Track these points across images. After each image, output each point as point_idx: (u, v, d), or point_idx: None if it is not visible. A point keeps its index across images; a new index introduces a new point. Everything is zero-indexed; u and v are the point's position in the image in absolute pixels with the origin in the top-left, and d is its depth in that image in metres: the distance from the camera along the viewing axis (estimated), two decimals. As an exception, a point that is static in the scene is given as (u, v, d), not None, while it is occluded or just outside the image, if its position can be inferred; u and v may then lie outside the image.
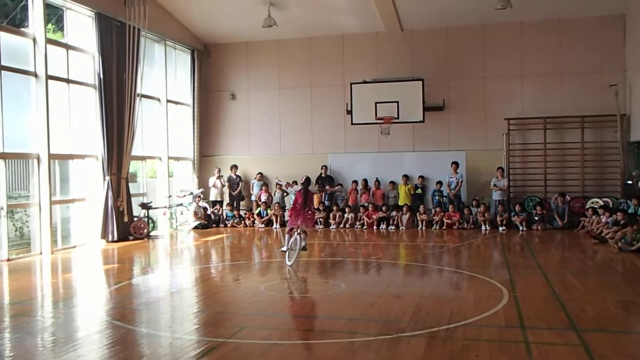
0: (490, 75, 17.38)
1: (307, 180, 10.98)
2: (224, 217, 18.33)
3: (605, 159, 16.65)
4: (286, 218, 13.89)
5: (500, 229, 15.81)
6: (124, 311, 7.67)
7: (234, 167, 18.80)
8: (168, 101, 17.87)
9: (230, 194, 18.75)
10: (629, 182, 15.41)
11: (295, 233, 10.67)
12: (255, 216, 18.07)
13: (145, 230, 15.52)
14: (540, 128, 16.92)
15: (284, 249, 10.95)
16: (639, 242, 11.53)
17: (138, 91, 15.42)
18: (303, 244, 10.75)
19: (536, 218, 16.13)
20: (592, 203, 15.76)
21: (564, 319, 6.72)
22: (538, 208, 16.22)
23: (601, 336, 6.08)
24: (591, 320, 6.74)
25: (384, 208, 17.10)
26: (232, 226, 17.94)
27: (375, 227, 16.83)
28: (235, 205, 18.54)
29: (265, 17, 16.02)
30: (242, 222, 18.08)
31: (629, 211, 13.80)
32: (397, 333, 6.23)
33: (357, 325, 6.72)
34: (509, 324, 6.57)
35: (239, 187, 18.74)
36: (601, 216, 14.26)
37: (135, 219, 15.49)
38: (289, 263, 10.61)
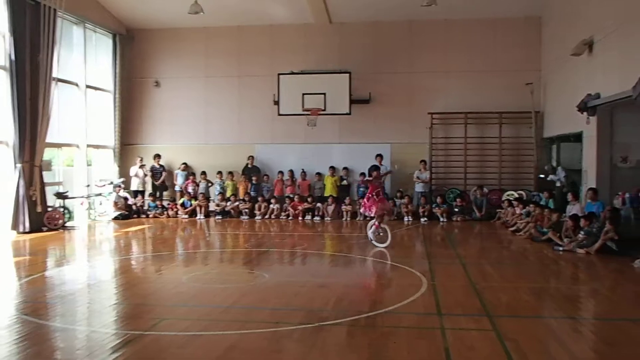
0: (416, 70, 17.75)
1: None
2: (146, 207, 17.88)
3: (521, 153, 17.40)
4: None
5: (422, 220, 16.22)
6: (36, 305, 7.29)
7: (157, 156, 18.37)
8: (87, 87, 17.22)
9: (152, 184, 18.32)
10: (542, 175, 16.14)
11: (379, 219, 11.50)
12: (178, 207, 17.74)
13: (61, 221, 14.91)
14: (462, 123, 17.47)
15: (373, 238, 11.65)
16: (549, 232, 12.10)
17: (54, 75, 14.72)
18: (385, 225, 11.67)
19: (456, 210, 16.66)
20: (508, 195, 16.42)
21: (479, 306, 6.96)
22: (458, 200, 16.76)
23: (513, 321, 6.35)
24: (504, 306, 7.01)
25: (309, 199, 17.18)
26: (155, 217, 17.53)
27: (300, 218, 16.89)
28: (157, 196, 18.12)
29: (192, 4, 15.68)
30: (165, 212, 17.71)
31: (541, 203, 14.46)
32: (319, 322, 6.27)
33: (280, 314, 6.71)
34: (427, 312, 6.75)
35: (162, 177, 18.35)
36: (515, 208, 14.87)
37: (50, 209, 14.85)
38: (384, 245, 11.39)
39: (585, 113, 12.90)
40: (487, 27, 17.52)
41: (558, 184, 15.03)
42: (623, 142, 12.89)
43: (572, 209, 12.73)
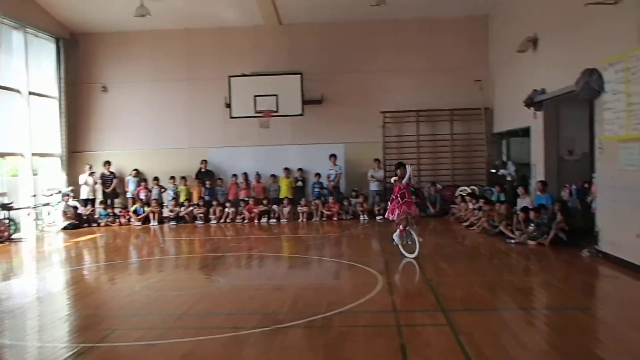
0: (367, 70, 17.82)
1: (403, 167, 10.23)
2: (97, 215, 17.45)
3: (472, 149, 17.69)
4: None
5: (378, 218, 16.31)
6: (-19, 321, 7.04)
7: (107, 163, 17.95)
8: (30, 93, 16.64)
9: (103, 192, 17.90)
10: (493, 170, 16.44)
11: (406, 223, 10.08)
12: (131, 214, 17.37)
13: (6, 233, 14.38)
14: (414, 121, 17.65)
15: (399, 242, 10.28)
16: (499, 226, 12.33)
17: (-5, 82, 14.22)
18: (415, 230, 10.15)
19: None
20: (461, 191, 16.66)
21: (434, 302, 7.02)
22: (413, 197, 16.87)
23: (467, 315, 6.43)
24: (458, 301, 7.10)
25: (265, 201, 17.07)
26: (106, 225, 17.10)
27: (256, 221, 16.76)
28: (109, 203, 17.71)
29: (138, 7, 15.36)
30: (117, 220, 17.32)
31: (492, 197, 14.73)
32: (275, 325, 6.21)
33: (236, 319, 6.63)
34: (383, 309, 6.77)
35: (113, 184, 17.93)
36: (468, 203, 15.10)
37: (-5, 221, 14.34)
38: (412, 255, 9.99)
39: (532, 108, 13.19)
40: (436, 27, 17.73)
41: (509, 178, 15.33)
42: (569, 136, 13.23)
43: (523, 202, 13.00)
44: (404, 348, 5.36)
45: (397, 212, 10.07)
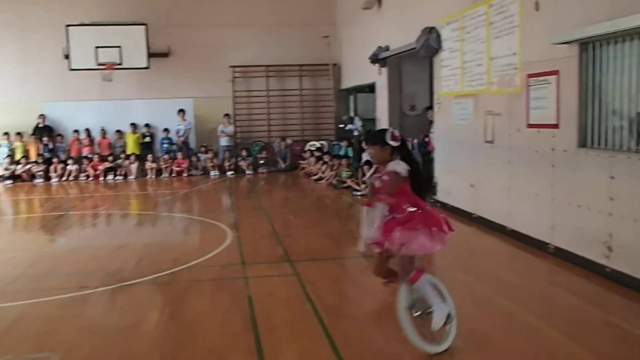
0: (216, 23, 17.27)
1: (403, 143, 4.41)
2: None
3: (320, 104, 18.06)
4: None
5: (229, 173, 16.27)
6: None
7: None
8: None
9: None
10: (341, 125, 16.97)
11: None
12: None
13: None
14: (263, 76, 17.62)
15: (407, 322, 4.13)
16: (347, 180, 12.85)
17: None
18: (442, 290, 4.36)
19: (261, 162, 16.95)
20: (310, 146, 17.04)
21: (281, 253, 7.21)
22: (263, 152, 17.05)
23: (311, 264, 6.69)
24: (304, 252, 7.33)
25: (110, 158, 16.32)
26: None
27: (102, 179, 16.01)
28: None
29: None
30: (-59, 181, 15.69)
31: (340, 152, 15.25)
32: (119, 283, 6.06)
33: (76, 280, 6.33)
34: (231, 263, 6.84)
35: None
36: (316, 157, 15.51)
37: None
38: (436, 349, 4.14)
39: (377, 65, 13.69)
40: (284, -20, 17.67)
41: (356, 133, 15.90)
42: (410, 92, 13.91)
43: (367, 155, 13.59)
44: (250, 299, 5.47)
45: (399, 237, 4.15)
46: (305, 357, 4.27)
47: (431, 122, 11.08)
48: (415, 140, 12.87)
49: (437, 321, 4.13)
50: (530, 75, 7.03)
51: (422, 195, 4.42)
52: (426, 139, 12.40)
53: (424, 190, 4.49)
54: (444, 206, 9.81)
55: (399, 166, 4.20)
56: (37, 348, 4.52)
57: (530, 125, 7.11)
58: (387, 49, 13.10)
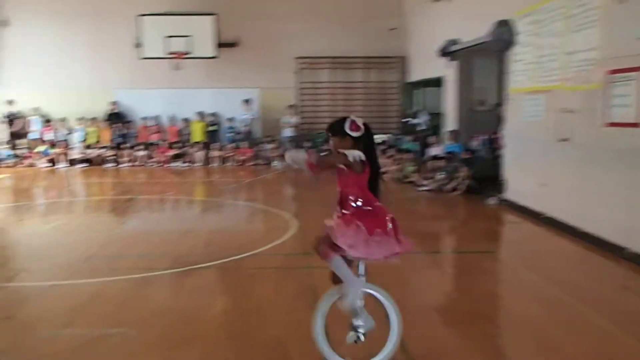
0: (283, 15, 17.39)
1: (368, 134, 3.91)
2: (1, 157, 16.51)
3: (386, 98, 17.93)
4: None
5: (292, 164, 16.33)
6: None
7: (10, 102, 16.90)
8: None
9: (7, 132, 16.91)
10: (406, 119, 16.79)
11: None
12: (37, 155, 16.52)
13: None
14: (329, 68, 17.63)
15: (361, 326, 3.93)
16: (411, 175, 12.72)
17: None
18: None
19: (324, 153, 16.93)
20: (374, 139, 16.90)
21: (345, 244, 7.18)
22: (326, 144, 17.04)
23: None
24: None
25: (178, 145, 16.73)
26: (11, 166, 16.22)
27: (169, 165, 16.43)
28: (13, 145, 16.78)
29: None
30: (23, 161, 16.46)
31: (404, 146, 15.09)
32: (187, 266, 6.20)
33: (146, 262, 6.54)
34: (294, 252, 6.90)
35: (18, 124, 16.94)
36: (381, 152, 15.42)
37: None
38: None
39: (445, 58, 13.47)
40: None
41: (422, 127, 15.70)
42: (480, 87, 13.60)
43: (433, 151, 13.40)
44: (314, 288, 5.49)
45: (350, 236, 3.77)
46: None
47: (500, 119, 10.80)
48: (484, 137, 12.57)
49: (346, 303, 3.84)
50: (612, 71, 6.75)
51: (376, 193, 3.94)
52: (494, 136, 12.12)
53: (377, 188, 3.95)
54: (512, 205, 9.57)
55: (352, 154, 3.72)
56: (113, 324, 4.69)
57: (609, 124, 6.82)
58: (456, 42, 12.88)
